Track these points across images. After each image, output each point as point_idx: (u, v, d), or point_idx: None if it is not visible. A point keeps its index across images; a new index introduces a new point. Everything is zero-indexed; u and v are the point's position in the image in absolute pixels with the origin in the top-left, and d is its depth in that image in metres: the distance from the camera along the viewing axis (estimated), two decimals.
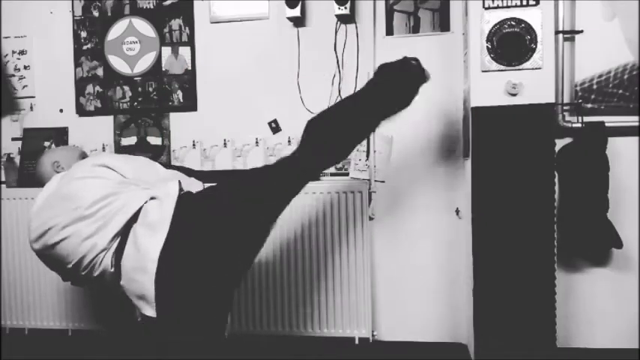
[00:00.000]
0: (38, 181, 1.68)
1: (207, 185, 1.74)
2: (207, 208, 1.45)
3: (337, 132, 1.57)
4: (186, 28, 2.43)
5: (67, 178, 1.50)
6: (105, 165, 1.50)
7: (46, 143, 2.54)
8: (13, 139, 2.60)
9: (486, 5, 1.88)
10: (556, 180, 1.93)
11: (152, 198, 1.44)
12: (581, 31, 2.04)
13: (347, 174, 2.31)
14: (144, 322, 1.42)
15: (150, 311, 1.36)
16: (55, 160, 1.67)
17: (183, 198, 1.43)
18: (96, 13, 2.51)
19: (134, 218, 1.41)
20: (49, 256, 1.47)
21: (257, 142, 2.40)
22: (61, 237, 1.41)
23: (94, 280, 1.46)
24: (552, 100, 1.87)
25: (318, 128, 1.58)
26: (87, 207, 1.40)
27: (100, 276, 1.43)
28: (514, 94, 1.86)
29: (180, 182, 1.51)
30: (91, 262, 1.41)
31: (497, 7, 1.87)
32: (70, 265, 1.43)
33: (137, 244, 1.36)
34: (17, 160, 2.58)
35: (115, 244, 1.40)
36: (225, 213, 1.45)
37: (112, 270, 1.41)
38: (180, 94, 2.45)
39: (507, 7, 1.87)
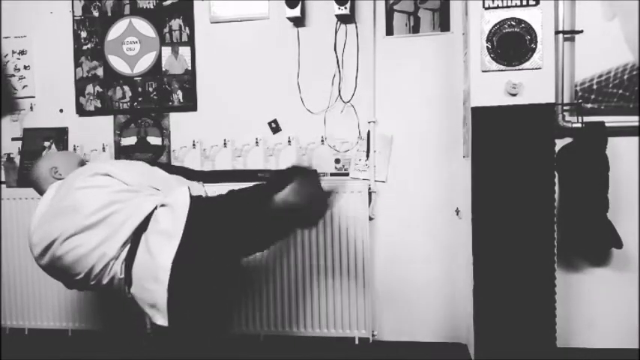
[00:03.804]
0: (33, 186, 1.65)
1: (206, 186, 1.74)
2: (219, 216, 1.43)
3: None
4: (186, 28, 2.43)
5: (66, 188, 1.48)
6: (106, 173, 1.48)
7: (46, 143, 2.54)
8: (13, 139, 2.60)
9: (486, 5, 1.88)
10: (556, 180, 1.93)
11: (162, 205, 1.43)
12: (581, 31, 2.04)
13: (347, 174, 2.31)
14: (154, 328, 1.41)
15: (161, 320, 1.35)
16: (53, 166, 1.64)
17: (195, 206, 1.41)
18: (96, 13, 2.51)
19: (142, 225, 1.40)
20: (57, 268, 1.46)
21: (257, 142, 2.40)
22: (67, 248, 1.40)
23: (102, 288, 1.45)
24: (552, 100, 1.87)
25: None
26: (88, 215, 1.38)
27: (109, 283, 1.42)
28: (514, 94, 1.86)
29: (189, 188, 1.49)
30: (101, 271, 1.40)
31: (497, 7, 1.87)
32: (79, 277, 1.42)
33: (150, 252, 1.35)
34: (17, 160, 2.58)
35: (125, 252, 1.39)
36: (236, 221, 1.43)
37: (122, 276, 1.40)
38: (180, 94, 2.45)
39: (507, 7, 1.86)
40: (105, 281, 1.41)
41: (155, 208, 1.42)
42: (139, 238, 1.39)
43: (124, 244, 1.39)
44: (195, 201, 1.44)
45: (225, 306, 1.55)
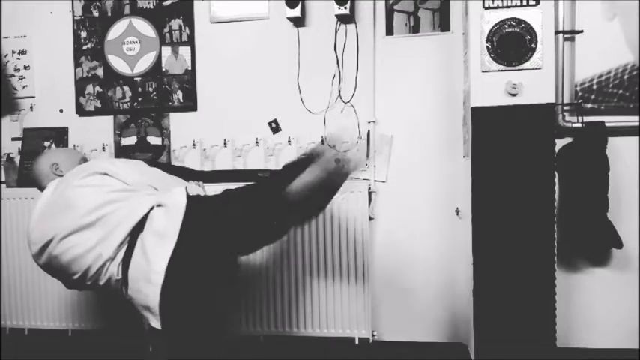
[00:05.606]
0: (34, 182, 1.64)
1: (206, 186, 1.74)
2: (215, 218, 1.42)
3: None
4: (186, 28, 2.43)
5: (64, 186, 1.47)
6: (104, 172, 1.47)
7: (46, 143, 2.54)
8: (13, 139, 2.60)
9: (486, 5, 1.88)
10: (556, 180, 1.93)
11: (158, 205, 1.42)
12: (581, 31, 2.04)
13: None
14: (151, 330, 1.41)
15: (155, 322, 1.34)
16: (54, 162, 1.62)
17: (191, 207, 1.40)
18: (96, 13, 2.51)
19: (139, 226, 1.39)
20: (55, 267, 1.45)
21: (257, 142, 2.40)
22: (63, 248, 1.39)
23: (100, 288, 1.44)
24: (552, 100, 1.87)
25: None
26: (84, 215, 1.37)
27: (106, 284, 1.41)
28: (514, 94, 1.86)
29: (186, 188, 1.49)
30: (97, 272, 1.39)
31: (498, 7, 1.87)
32: (76, 276, 1.41)
33: (145, 254, 1.34)
34: (17, 160, 2.58)
35: (122, 253, 1.38)
36: (232, 223, 1.43)
37: (118, 277, 1.39)
38: (180, 94, 2.45)
39: (507, 7, 1.87)
40: (102, 282, 1.40)
41: (152, 208, 1.41)
42: (136, 238, 1.37)
43: (120, 245, 1.38)
44: (192, 201, 1.43)
45: (223, 307, 1.55)
